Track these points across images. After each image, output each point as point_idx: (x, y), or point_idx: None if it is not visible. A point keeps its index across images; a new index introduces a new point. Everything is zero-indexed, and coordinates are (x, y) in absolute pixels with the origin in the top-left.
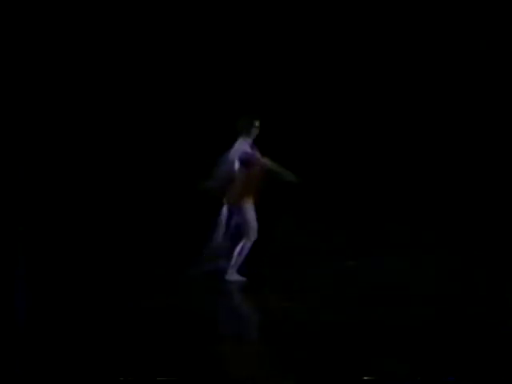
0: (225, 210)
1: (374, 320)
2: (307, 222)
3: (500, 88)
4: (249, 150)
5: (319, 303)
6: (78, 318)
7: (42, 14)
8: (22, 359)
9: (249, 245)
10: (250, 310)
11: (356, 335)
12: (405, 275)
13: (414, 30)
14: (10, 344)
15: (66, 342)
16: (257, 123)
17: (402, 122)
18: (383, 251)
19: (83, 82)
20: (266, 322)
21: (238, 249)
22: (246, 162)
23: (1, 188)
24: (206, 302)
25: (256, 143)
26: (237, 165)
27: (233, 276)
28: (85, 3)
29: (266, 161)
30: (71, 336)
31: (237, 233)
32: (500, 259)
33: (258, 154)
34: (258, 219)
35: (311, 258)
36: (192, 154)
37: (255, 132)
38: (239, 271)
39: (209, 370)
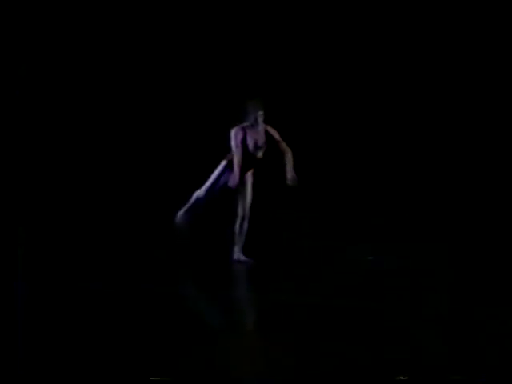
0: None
1: (382, 314)
2: (314, 219)
3: (500, 88)
4: (236, 134)
5: (328, 298)
6: (78, 316)
7: (42, 14)
8: (22, 358)
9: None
10: (255, 302)
11: (364, 331)
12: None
13: (415, 30)
14: (10, 344)
15: (67, 342)
16: (250, 109)
17: (402, 121)
18: (391, 249)
19: (83, 82)
20: (271, 315)
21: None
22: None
23: (1, 188)
24: (210, 291)
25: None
26: None
27: (235, 254)
28: (85, 3)
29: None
30: (72, 335)
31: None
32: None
33: (237, 141)
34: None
35: (320, 252)
36: (191, 154)
37: (251, 118)
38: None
39: (211, 365)
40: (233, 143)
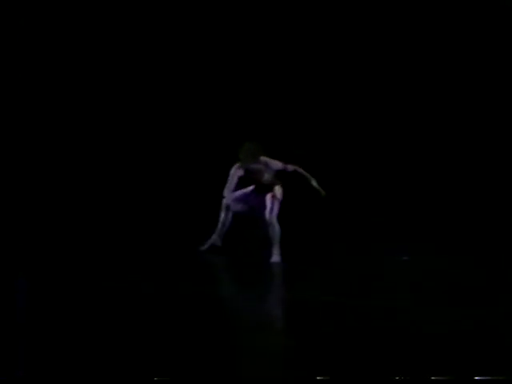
0: None
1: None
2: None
3: (500, 88)
4: (235, 172)
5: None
6: (81, 316)
7: (42, 14)
8: (23, 360)
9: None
10: (287, 302)
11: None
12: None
13: (415, 30)
14: (11, 345)
15: (69, 343)
16: (248, 153)
17: (404, 123)
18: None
19: (83, 83)
20: (302, 315)
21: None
22: None
23: (2, 193)
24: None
25: None
26: None
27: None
28: (85, 3)
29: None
30: (75, 336)
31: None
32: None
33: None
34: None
35: (352, 253)
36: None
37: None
38: None
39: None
40: (229, 183)
